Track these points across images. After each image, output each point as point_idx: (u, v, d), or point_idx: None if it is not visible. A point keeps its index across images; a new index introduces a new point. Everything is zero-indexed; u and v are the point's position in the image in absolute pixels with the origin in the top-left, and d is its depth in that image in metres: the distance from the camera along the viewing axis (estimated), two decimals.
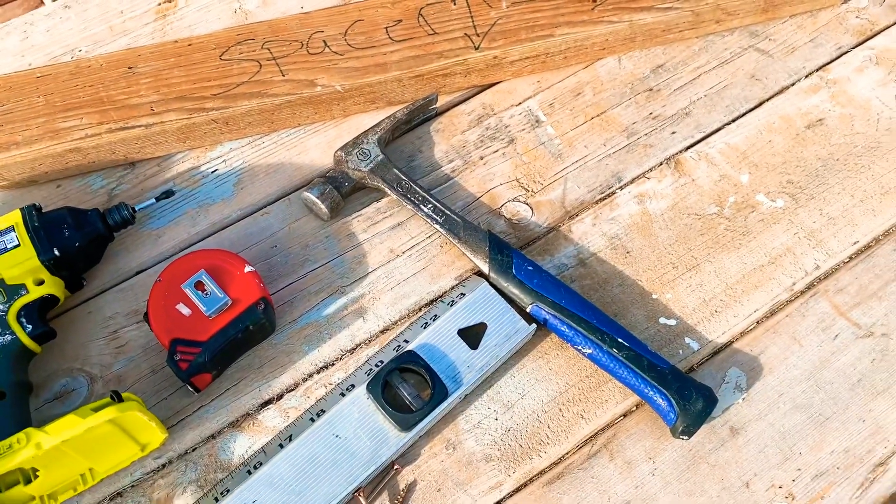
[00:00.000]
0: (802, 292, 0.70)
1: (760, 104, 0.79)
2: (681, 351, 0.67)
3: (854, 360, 0.67)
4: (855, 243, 0.72)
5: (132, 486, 0.62)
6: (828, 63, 0.81)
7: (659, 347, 0.67)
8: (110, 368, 0.66)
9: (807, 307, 0.69)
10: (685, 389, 0.63)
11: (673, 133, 0.77)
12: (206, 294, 0.63)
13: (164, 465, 0.63)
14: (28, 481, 0.58)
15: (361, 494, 0.61)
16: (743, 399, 0.66)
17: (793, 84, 0.80)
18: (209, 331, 0.62)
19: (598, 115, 0.78)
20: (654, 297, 0.70)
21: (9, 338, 0.61)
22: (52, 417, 0.61)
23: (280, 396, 0.66)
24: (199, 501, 0.60)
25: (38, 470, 0.58)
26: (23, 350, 0.61)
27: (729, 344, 0.68)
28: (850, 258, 0.71)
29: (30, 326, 0.62)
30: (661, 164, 0.76)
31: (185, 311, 0.63)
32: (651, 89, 0.80)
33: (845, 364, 0.67)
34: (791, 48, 0.82)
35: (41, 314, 0.64)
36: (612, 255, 0.71)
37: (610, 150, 0.76)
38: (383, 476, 0.62)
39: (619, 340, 0.64)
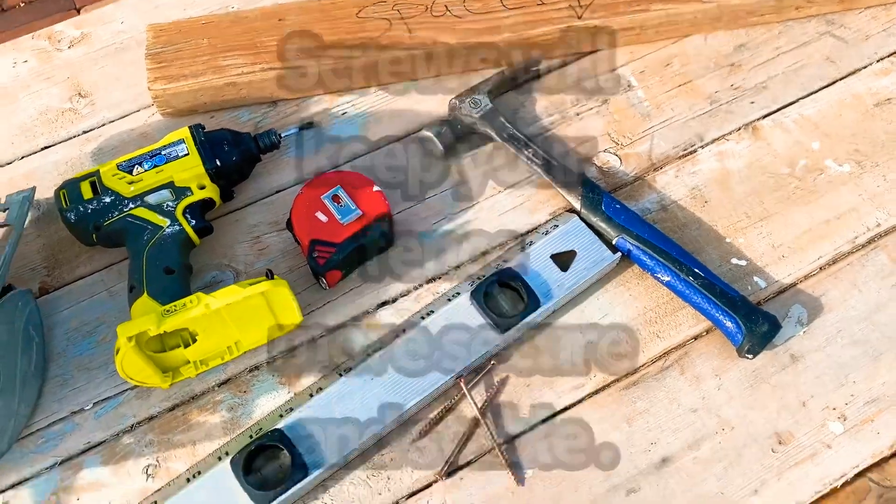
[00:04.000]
0: (864, 245, 0.77)
1: (833, 83, 0.87)
2: (749, 287, 0.76)
3: None
4: None
5: (267, 362, 0.73)
6: None
7: (730, 282, 0.75)
8: (253, 266, 0.78)
9: (867, 258, 0.77)
10: (752, 314, 0.71)
11: (752, 102, 0.86)
12: (341, 205, 0.74)
13: (295, 347, 0.74)
14: (187, 345, 0.70)
15: (462, 381, 0.71)
16: (804, 332, 0.73)
17: (865, 67, 0.88)
18: (342, 235, 0.73)
19: (684, 84, 0.87)
20: (727, 240, 0.78)
21: (177, 228, 0.73)
22: None
23: (395, 300, 0.76)
24: (325, 376, 0.71)
25: (197, 335, 0.69)
26: (187, 239, 0.73)
27: (793, 285, 0.76)
28: None
29: (193, 221, 0.74)
30: (739, 128, 0.84)
31: (323, 218, 0.74)
32: (733, 64, 0.88)
33: None
34: (865, 36, 0.90)
35: (202, 213, 0.75)
36: (692, 203, 0.80)
37: (694, 113, 0.85)
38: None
39: (695, 270, 0.73)
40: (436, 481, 0.68)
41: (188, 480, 0.66)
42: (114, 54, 0.92)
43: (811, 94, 0.86)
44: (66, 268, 0.79)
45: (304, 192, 0.75)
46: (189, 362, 0.72)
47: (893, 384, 0.71)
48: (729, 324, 0.71)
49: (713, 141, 0.84)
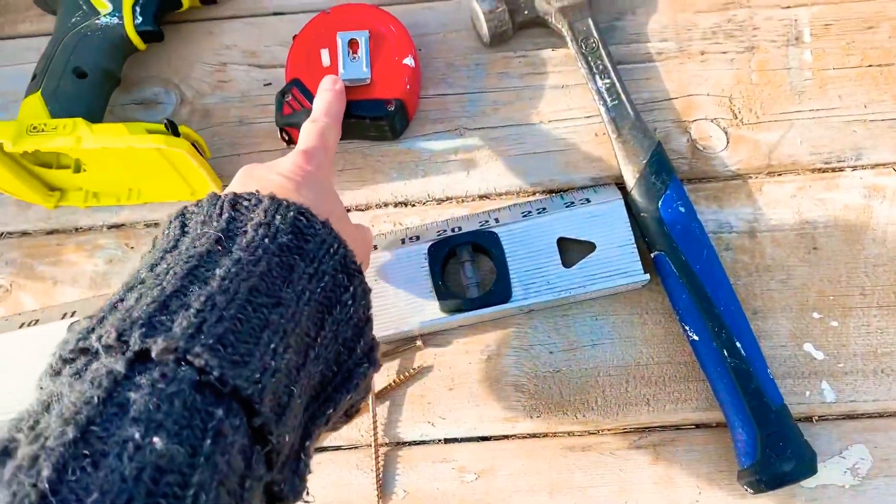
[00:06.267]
0: None
1: None
2: (808, 393, 0.52)
3: None
4: None
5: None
6: None
7: (784, 375, 0.52)
8: (203, 98, 0.61)
9: None
10: (781, 440, 0.48)
11: None
12: (354, 58, 0.55)
13: None
14: (78, 170, 0.56)
15: None
16: (851, 486, 0.50)
17: None
18: None
19: (879, 66, 0.57)
20: (814, 315, 0.53)
21: (116, 20, 0.56)
22: (129, 119, 0.59)
23: (348, 209, 0.58)
24: None
25: (85, 165, 0.55)
26: (123, 40, 0.57)
27: (873, 416, 0.51)
28: None
29: (140, 19, 0.57)
30: None
31: (326, 60, 0.55)
32: None
33: None
34: None
35: (158, 12, 0.58)
36: (796, 241, 0.55)
37: (868, 115, 0.57)
38: (403, 344, 0.55)
39: (737, 345, 0.50)
40: None
41: (21, 326, 0.55)
42: None
43: None
44: (10, 17, 0.65)
45: (329, 13, 0.57)
46: (81, 189, 0.58)
47: None
48: (744, 436, 0.49)
49: (874, 166, 0.56)
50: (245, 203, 0.37)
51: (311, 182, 0.42)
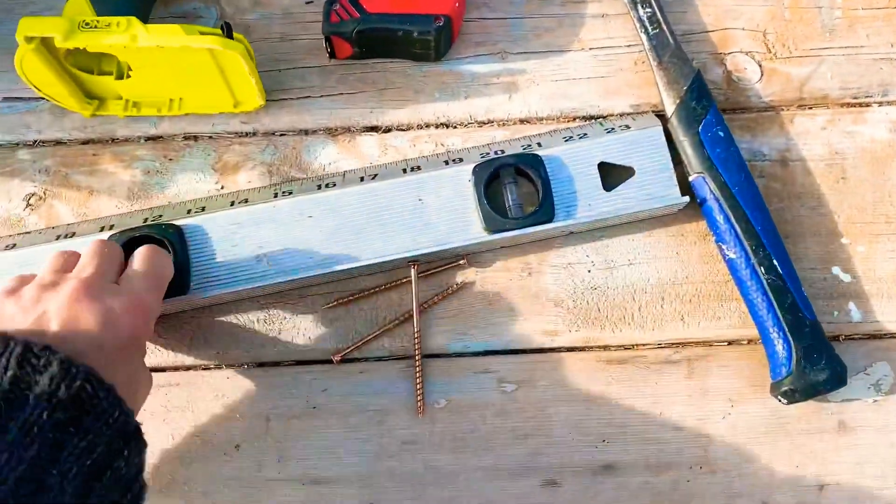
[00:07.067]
0: None
1: None
2: (836, 313, 0.54)
3: None
4: None
5: (210, 136, 0.58)
6: None
7: (814, 296, 0.54)
8: (244, 14, 0.60)
9: None
10: (815, 352, 0.50)
11: None
12: None
13: (247, 134, 0.58)
14: (121, 77, 0.56)
15: (415, 267, 0.54)
16: (874, 401, 0.53)
17: None
18: (379, 6, 0.56)
19: None
20: (842, 241, 0.55)
21: None
22: None
23: (388, 130, 0.58)
24: (260, 190, 0.56)
25: (131, 70, 0.55)
26: None
27: None
28: None
29: None
30: None
31: None
32: None
33: None
34: None
35: None
36: (825, 171, 0.57)
37: (894, 54, 0.59)
38: (446, 262, 0.56)
39: (774, 262, 0.52)
40: (329, 361, 0.54)
41: (57, 238, 0.55)
42: None
43: None
44: None
45: None
46: (121, 98, 0.58)
47: None
48: (780, 348, 0.51)
49: None
50: (33, 362, 0.37)
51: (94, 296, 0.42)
